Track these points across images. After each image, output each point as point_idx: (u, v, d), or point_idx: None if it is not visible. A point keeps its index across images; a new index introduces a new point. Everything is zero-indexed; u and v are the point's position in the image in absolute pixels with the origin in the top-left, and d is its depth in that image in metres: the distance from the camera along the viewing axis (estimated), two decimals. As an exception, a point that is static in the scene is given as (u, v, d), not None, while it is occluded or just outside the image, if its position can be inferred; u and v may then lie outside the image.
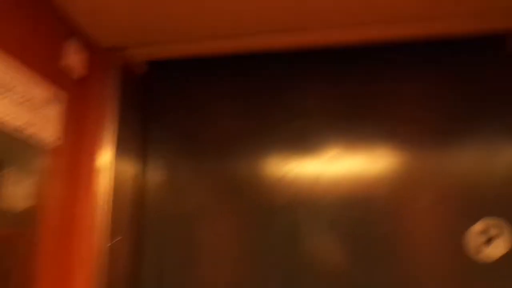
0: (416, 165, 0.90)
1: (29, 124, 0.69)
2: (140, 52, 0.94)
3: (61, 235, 0.76)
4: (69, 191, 0.79)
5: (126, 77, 0.95)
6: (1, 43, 0.63)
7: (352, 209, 0.90)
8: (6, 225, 0.63)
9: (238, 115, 1.00)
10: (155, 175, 1.00)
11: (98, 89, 0.90)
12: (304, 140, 0.96)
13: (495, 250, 0.82)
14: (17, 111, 0.66)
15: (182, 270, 0.92)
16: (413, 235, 0.87)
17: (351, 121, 0.95)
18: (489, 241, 0.82)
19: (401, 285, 0.84)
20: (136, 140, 0.98)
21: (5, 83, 0.64)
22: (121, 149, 0.91)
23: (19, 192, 0.66)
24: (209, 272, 0.91)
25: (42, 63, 0.74)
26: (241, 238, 0.92)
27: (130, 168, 0.94)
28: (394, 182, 0.90)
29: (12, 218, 0.64)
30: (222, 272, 0.90)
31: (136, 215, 0.94)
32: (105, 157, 0.87)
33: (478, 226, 0.84)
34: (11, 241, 0.64)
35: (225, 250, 0.92)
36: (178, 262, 0.93)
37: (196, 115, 1.02)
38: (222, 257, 0.91)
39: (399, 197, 0.89)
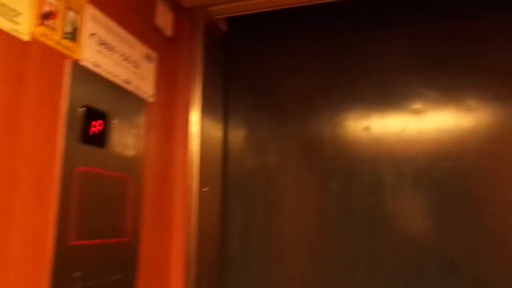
0: (508, 121, 0.84)
1: (129, 81, 0.76)
2: (221, 9, 0.97)
3: (159, 181, 0.84)
4: (164, 143, 0.87)
5: (209, 36, 0.98)
6: (104, 7, 0.69)
7: (438, 164, 0.87)
8: (119, 169, 0.71)
9: (317, 70, 1.00)
10: (237, 131, 1.04)
11: (185, 48, 0.95)
12: (387, 93, 0.93)
13: None
14: (119, 69, 0.73)
15: (265, 220, 0.97)
16: (504, 191, 0.82)
17: (438, 74, 0.90)
18: None
19: (490, 241, 0.81)
20: (219, 97, 1.02)
21: (108, 43, 0.71)
22: (207, 106, 0.96)
23: (126, 141, 0.74)
24: (290, 223, 0.95)
25: (137, 24, 0.79)
26: (323, 192, 0.94)
27: (215, 124, 0.99)
28: (484, 137, 0.85)
29: (123, 163, 0.72)
30: (303, 222, 0.94)
31: (221, 168, 1.00)
32: (194, 113, 0.92)
33: None
34: (124, 183, 0.73)
35: (306, 203, 0.95)
36: (261, 212, 0.98)
37: (275, 72, 1.03)
38: (303, 209, 0.95)
39: (488, 152, 0.84)
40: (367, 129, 0.93)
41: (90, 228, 0.64)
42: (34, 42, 0.55)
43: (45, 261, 0.55)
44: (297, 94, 1.01)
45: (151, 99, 0.83)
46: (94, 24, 0.67)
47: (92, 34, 0.67)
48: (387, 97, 0.93)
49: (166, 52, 0.90)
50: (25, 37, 0.54)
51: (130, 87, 0.76)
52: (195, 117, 0.92)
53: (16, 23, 0.52)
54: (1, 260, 0.48)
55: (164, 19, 0.89)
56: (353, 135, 0.94)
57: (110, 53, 0.71)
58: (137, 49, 0.79)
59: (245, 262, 0.97)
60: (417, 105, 0.91)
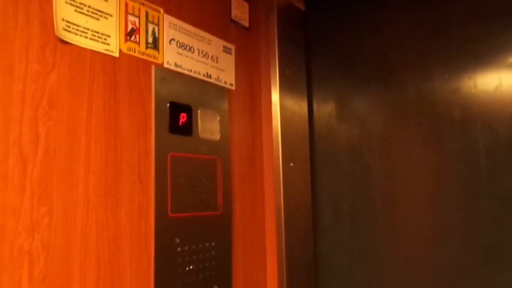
0: None
1: (209, 75, 0.86)
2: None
3: (248, 160, 0.94)
4: (249, 125, 0.96)
5: (285, 18, 1.03)
6: (180, 14, 0.80)
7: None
8: (208, 152, 0.83)
9: (401, 38, 0.96)
10: (323, 107, 1.08)
11: (262, 34, 1.02)
12: (479, 47, 0.85)
13: None
14: (199, 65, 0.84)
15: (354, 192, 1.00)
16: None
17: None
18: None
19: None
20: (300, 76, 1.07)
21: (186, 44, 0.82)
22: (287, 86, 1.01)
23: (212, 127, 0.85)
24: (380, 195, 0.96)
25: (213, 22, 0.89)
26: (411, 162, 0.92)
27: (298, 102, 1.04)
28: None
29: (211, 147, 0.84)
30: (393, 193, 0.94)
31: (307, 144, 1.05)
32: (274, 94, 0.99)
33: None
34: (213, 164, 0.84)
35: (395, 174, 0.94)
36: (351, 185, 1.01)
37: (357, 45, 1.03)
38: (392, 181, 0.94)
39: None
40: (459, 88, 0.87)
41: (185, 203, 0.77)
42: (123, 56, 0.69)
43: (149, 229, 0.69)
44: (381, 65, 0.99)
45: (232, 88, 0.93)
46: (172, 30, 0.79)
47: (172, 40, 0.79)
48: (479, 51, 0.85)
49: (244, 41, 0.98)
50: (115, 54, 0.68)
51: (211, 80, 0.87)
52: (275, 98, 0.99)
53: (107, 44, 0.66)
54: (114, 229, 0.64)
55: (239, 11, 0.97)
56: (445, 97, 0.88)
57: (189, 53, 0.82)
58: (215, 44, 0.89)
59: (336, 233, 1.02)
60: (513, 58, 0.81)
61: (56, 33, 0.59)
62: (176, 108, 0.77)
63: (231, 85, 0.93)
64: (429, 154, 0.89)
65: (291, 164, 0.99)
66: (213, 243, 0.82)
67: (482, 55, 0.85)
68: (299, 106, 1.05)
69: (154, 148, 0.72)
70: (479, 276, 0.81)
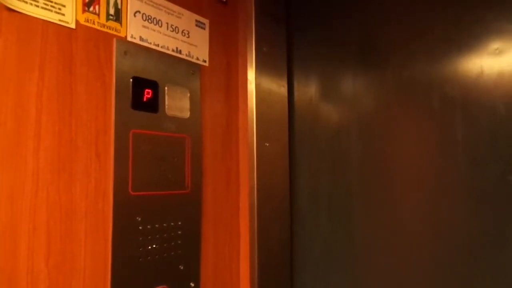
0: None
1: (179, 50, 0.83)
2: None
3: (221, 138, 0.92)
4: (224, 103, 0.93)
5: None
6: (145, -16, 0.77)
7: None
8: (176, 130, 0.81)
9: (386, 18, 0.92)
10: (304, 86, 1.04)
11: (240, 8, 0.98)
12: (461, 33, 0.81)
13: None
14: (167, 40, 0.81)
15: (334, 176, 0.98)
16: None
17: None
18: None
19: None
20: (279, 53, 1.03)
21: (153, 17, 0.78)
22: (265, 63, 0.98)
23: (181, 104, 0.82)
24: (361, 179, 0.94)
25: (184, -6, 0.85)
26: (395, 144, 0.89)
27: (276, 80, 1.01)
28: None
29: (180, 125, 0.81)
30: (376, 177, 0.92)
31: (286, 124, 1.03)
32: (250, 72, 0.96)
33: None
34: (182, 142, 0.82)
35: (378, 158, 0.92)
36: (330, 168, 0.99)
37: (341, 23, 0.99)
38: (375, 164, 0.92)
39: None
40: (437, 76, 0.83)
41: (148, 181, 0.75)
42: (80, 28, 0.66)
43: (107, 207, 0.68)
44: (366, 45, 0.95)
45: (205, 64, 0.90)
46: (137, 2, 0.75)
47: (137, 12, 0.75)
48: (461, 37, 0.81)
49: (220, 15, 0.94)
50: (71, 25, 0.65)
51: (181, 55, 0.84)
52: (251, 76, 0.96)
53: (61, 14, 0.63)
54: (67, 207, 0.63)
55: (216, -16, 0.93)
56: (429, 83, 0.85)
57: (156, 27, 0.79)
58: (187, 18, 0.86)
59: (314, 217, 1.00)
60: (495, 45, 0.77)
61: (0, 0, 0.56)
62: (140, 83, 0.75)
63: (204, 61, 0.90)
64: (409, 141, 0.87)
65: (267, 144, 0.97)
66: (179, 222, 0.81)
67: (464, 42, 0.81)
68: (277, 85, 1.02)
69: (114, 124, 0.70)
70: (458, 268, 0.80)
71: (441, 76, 0.82)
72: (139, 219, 0.73)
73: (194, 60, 0.87)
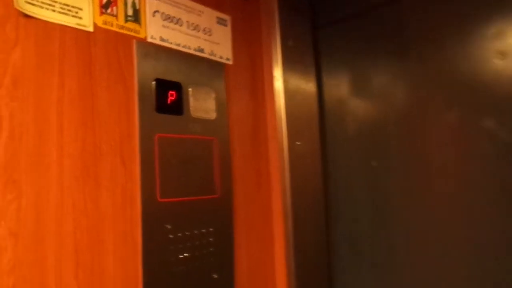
0: None
1: (201, 49, 0.80)
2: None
3: (250, 139, 0.88)
4: (251, 102, 0.89)
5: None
6: (163, -18, 0.74)
7: None
8: (203, 132, 0.77)
9: (426, 5, 0.86)
10: (334, 81, 0.99)
11: (262, 3, 0.94)
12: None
13: None
14: (189, 39, 0.78)
15: (370, 173, 0.92)
16: None
17: None
18: None
19: None
20: (305, 47, 0.98)
21: (173, 16, 0.76)
22: (291, 58, 0.94)
23: (207, 105, 0.79)
24: (401, 178, 0.87)
25: (204, -8, 0.82)
26: (435, 140, 0.83)
27: (304, 76, 0.96)
28: None
29: (206, 126, 0.78)
30: (417, 173, 0.85)
31: (317, 122, 0.98)
32: (276, 68, 0.92)
33: None
34: (209, 144, 0.79)
35: (418, 155, 0.85)
36: (366, 166, 0.93)
37: (371, 14, 0.93)
38: (415, 161, 0.85)
39: None
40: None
41: (176, 187, 0.72)
42: (98, 31, 0.64)
43: (135, 215, 0.65)
44: (404, 34, 0.89)
45: (229, 62, 0.86)
46: (155, 1, 0.73)
47: (155, 12, 0.73)
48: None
49: (242, 11, 0.91)
50: (89, 28, 0.63)
51: (204, 54, 0.81)
52: (277, 72, 0.92)
53: (78, 17, 0.61)
54: (94, 215, 0.60)
55: (236, -21, 0.90)
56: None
57: (177, 26, 0.76)
58: (207, 16, 0.83)
59: (351, 218, 0.94)
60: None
61: (16, 6, 0.55)
62: (163, 85, 0.72)
63: (228, 59, 0.86)
64: (452, 141, 0.80)
65: (298, 143, 0.92)
66: (211, 229, 0.77)
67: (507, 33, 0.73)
68: (305, 81, 0.97)
69: (138, 128, 0.67)
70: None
71: (483, 71, 0.75)
72: (169, 227, 0.70)
73: (217, 59, 0.83)
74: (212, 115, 0.80)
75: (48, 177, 0.56)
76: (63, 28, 0.60)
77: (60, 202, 0.57)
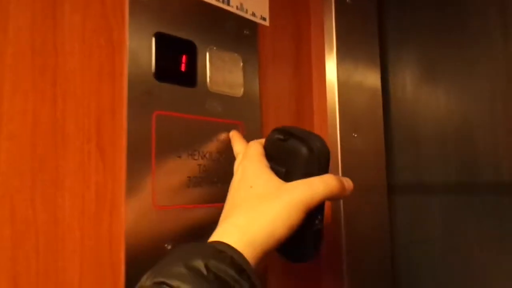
0: None
1: (226, 0, 0.58)
2: None
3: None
4: (289, 79, 0.66)
5: None
6: None
7: None
8: (224, 113, 0.55)
9: None
10: (405, 53, 0.74)
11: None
12: None
13: None
14: (209, -16, 0.56)
15: (447, 176, 0.66)
16: None
17: None
18: None
19: None
20: (369, 5, 0.74)
21: (186, -51, 0.54)
22: (349, 20, 0.70)
23: (231, 77, 0.57)
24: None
25: None
26: None
27: (364, 45, 0.72)
28: None
29: (229, 105, 0.56)
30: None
31: (378, 112, 0.73)
32: (328, 35, 0.68)
33: None
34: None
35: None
36: (442, 167, 0.67)
37: None
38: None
39: None
40: None
41: (183, 189, 0.50)
42: (69, -46, 0.43)
43: (117, 229, 0.44)
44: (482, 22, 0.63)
45: (265, 23, 0.63)
46: None
47: None
48: None
49: (285, -40, 0.68)
50: None
51: (229, 8, 0.58)
52: (330, 41, 0.68)
53: None
54: (48, 230, 0.39)
55: None
56: None
57: (192, -36, 0.54)
58: (236, -43, 0.60)
59: (425, 229, 0.69)
60: None
61: None
62: (168, 43, 0.50)
63: (263, 18, 0.63)
64: None
65: (355, 135, 0.67)
66: (232, 250, 0.54)
67: None
68: (365, 53, 0.72)
69: (126, 101, 0.46)
70: None
71: None
72: (170, 247, 0.48)
73: (248, 16, 0.61)
74: (238, 91, 0.57)
75: (-30, 168, 0.35)
76: None
77: (-12, 208, 0.36)
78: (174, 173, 0.49)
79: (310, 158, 0.39)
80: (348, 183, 0.40)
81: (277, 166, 0.41)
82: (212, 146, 0.53)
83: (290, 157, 0.40)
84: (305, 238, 0.38)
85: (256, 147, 0.45)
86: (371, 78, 0.72)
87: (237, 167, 0.45)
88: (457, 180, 0.67)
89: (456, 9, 0.68)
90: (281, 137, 0.42)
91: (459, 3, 0.67)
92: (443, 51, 0.69)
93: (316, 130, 0.68)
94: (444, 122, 0.68)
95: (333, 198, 0.38)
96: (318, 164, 0.39)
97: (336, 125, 0.66)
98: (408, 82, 0.74)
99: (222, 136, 0.54)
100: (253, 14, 0.62)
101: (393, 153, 0.74)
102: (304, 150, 0.39)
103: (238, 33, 0.59)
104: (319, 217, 0.39)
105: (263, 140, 0.47)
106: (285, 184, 0.38)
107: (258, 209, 0.36)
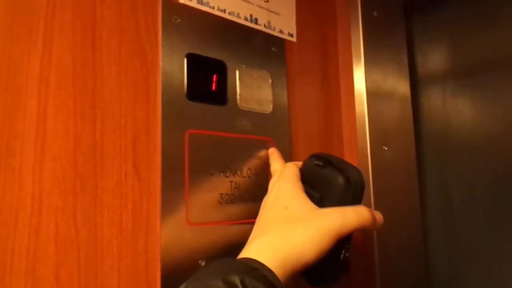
0: None
1: (255, 18, 0.59)
2: None
3: (316, 141, 0.64)
4: (317, 94, 0.66)
5: None
6: None
7: None
8: (254, 130, 0.56)
9: None
10: (434, 66, 0.73)
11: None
12: None
13: None
14: (238, 3, 0.57)
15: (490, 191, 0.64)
16: None
17: None
18: None
19: None
20: (396, 18, 0.73)
21: (216, -28, 0.56)
22: (376, 33, 0.69)
23: (260, 94, 0.58)
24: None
25: None
26: None
27: (392, 57, 0.71)
28: None
29: (259, 122, 0.56)
30: None
31: (408, 124, 0.72)
32: (355, 49, 0.68)
33: None
34: (263, 147, 0.57)
35: None
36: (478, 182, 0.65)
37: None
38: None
39: None
40: None
41: (215, 206, 0.51)
42: (107, -18, 0.45)
43: (152, 246, 0.45)
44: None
45: (292, 39, 0.64)
46: (191, -49, 0.53)
47: (192, -35, 0.53)
48: None
49: (310, -24, 0.69)
50: (93, -22, 0.44)
51: (258, 26, 0.60)
52: (357, 54, 0.68)
53: (77, -39, 0.43)
54: (89, 246, 0.40)
55: None
56: None
57: (221, -14, 0.56)
58: (263, -23, 0.61)
59: (446, 239, 0.67)
60: None
61: None
62: (199, 63, 0.52)
63: (291, 35, 0.64)
64: None
65: (385, 148, 0.67)
66: (264, 266, 0.54)
67: None
68: (394, 63, 0.72)
69: (160, 121, 0.47)
70: None
71: None
72: (203, 263, 0.48)
73: (276, 33, 0.62)
74: (268, 108, 0.58)
75: (15, 189, 0.37)
76: (54, -24, 0.42)
77: (35, 226, 0.38)
78: (207, 190, 0.49)
79: (346, 188, 0.39)
80: (379, 216, 0.41)
81: (312, 191, 0.41)
82: (243, 163, 0.54)
83: (326, 184, 0.40)
84: (330, 265, 0.38)
85: (294, 169, 0.45)
86: (400, 88, 0.71)
87: (273, 185, 0.46)
88: (491, 197, 0.65)
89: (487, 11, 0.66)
90: (320, 163, 0.43)
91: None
92: (475, 58, 0.68)
93: (346, 143, 0.68)
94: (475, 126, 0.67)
95: (363, 230, 0.39)
96: (353, 194, 0.39)
97: (366, 138, 0.66)
98: (439, 91, 0.73)
99: (262, 153, 0.55)
100: (281, 31, 0.63)
101: (423, 161, 0.73)
102: (341, 179, 0.39)
103: (266, 51, 0.60)
104: (346, 246, 0.39)
105: (300, 163, 0.47)
106: (319, 210, 0.38)
107: (291, 230, 0.36)
